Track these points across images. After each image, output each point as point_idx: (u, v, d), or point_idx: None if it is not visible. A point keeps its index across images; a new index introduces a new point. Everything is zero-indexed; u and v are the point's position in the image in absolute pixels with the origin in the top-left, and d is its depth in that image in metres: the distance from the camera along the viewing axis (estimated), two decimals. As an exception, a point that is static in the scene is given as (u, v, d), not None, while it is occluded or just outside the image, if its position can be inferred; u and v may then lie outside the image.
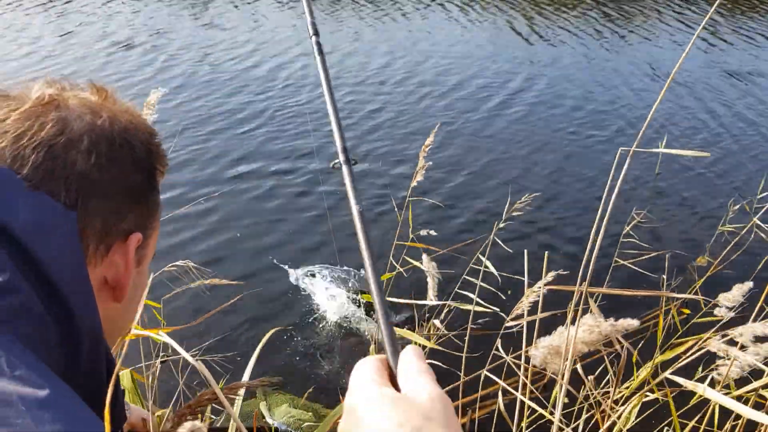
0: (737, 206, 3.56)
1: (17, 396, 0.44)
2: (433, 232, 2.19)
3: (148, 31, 8.17)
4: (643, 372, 1.80)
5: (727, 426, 1.70)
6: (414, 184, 1.93)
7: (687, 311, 2.14)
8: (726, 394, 1.36)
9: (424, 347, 1.97)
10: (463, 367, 1.88)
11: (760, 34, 9.46)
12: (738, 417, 1.63)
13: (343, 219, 4.25)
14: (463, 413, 2.44)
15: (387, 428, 0.47)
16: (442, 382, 0.57)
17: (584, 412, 1.73)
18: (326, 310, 3.66)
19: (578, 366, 1.62)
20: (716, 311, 1.62)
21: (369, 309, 3.61)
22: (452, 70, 7.42)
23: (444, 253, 2.89)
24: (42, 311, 0.52)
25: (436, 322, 1.88)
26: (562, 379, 1.22)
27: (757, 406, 1.45)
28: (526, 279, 1.62)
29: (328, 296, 3.73)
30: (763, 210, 2.77)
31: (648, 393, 1.66)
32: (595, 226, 1.12)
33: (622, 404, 1.68)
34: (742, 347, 1.31)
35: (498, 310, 2.10)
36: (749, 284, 1.61)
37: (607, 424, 1.55)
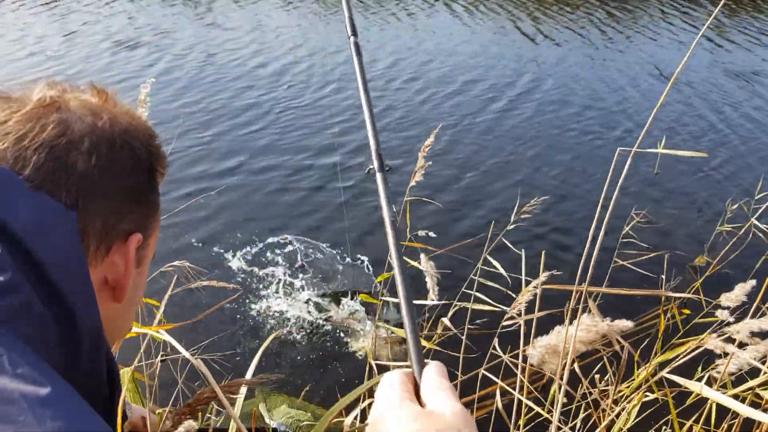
0: (735, 206, 3.56)
1: (19, 394, 0.44)
2: (432, 234, 2.19)
3: (153, 31, 8.19)
4: (643, 372, 1.80)
5: (724, 425, 1.71)
6: (412, 183, 1.93)
7: (687, 311, 2.14)
8: (723, 393, 1.36)
9: (424, 347, 1.97)
10: (460, 366, 1.89)
11: (764, 34, 9.43)
12: (735, 415, 1.63)
13: (353, 216, 4.28)
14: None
15: None
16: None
17: (581, 411, 1.74)
18: (326, 310, 3.67)
19: (575, 366, 1.62)
20: (718, 313, 1.62)
21: (369, 309, 3.61)
22: (458, 71, 7.41)
23: (450, 253, 2.89)
24: (42, 311, 0.52)
25: (446, 320, 1.88)
26: (561, 378, 1.23)
27: (754, 405, 1.46)
28: (524, 279, 1.63)
29: (328, 296, 3.74)
30: (761, 210, 2.78)
31: (647, 393, 1.66)
32: (593, 227, 1.13)
33: (621, 404, 1.68)
34: (741, 345, 1.31)
35: (506, 308, 2.09)
36: (752, 282, 1.60)
37: (605, 423, 1.56)
